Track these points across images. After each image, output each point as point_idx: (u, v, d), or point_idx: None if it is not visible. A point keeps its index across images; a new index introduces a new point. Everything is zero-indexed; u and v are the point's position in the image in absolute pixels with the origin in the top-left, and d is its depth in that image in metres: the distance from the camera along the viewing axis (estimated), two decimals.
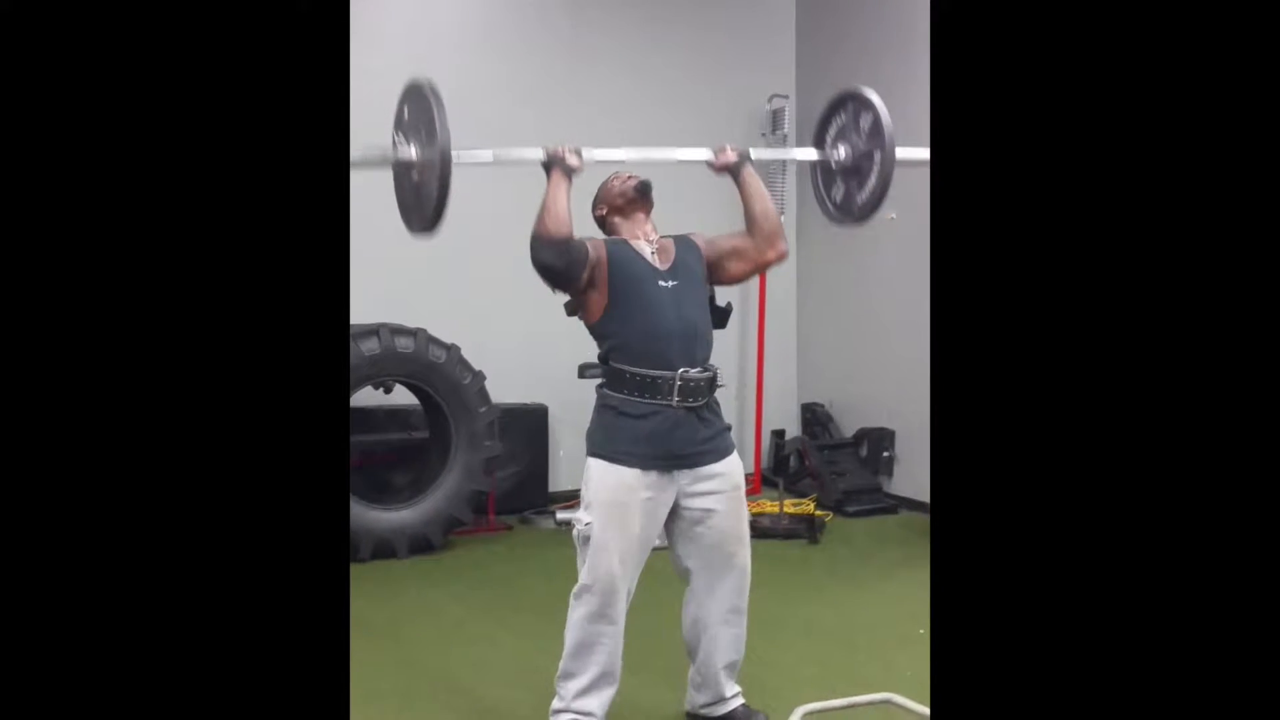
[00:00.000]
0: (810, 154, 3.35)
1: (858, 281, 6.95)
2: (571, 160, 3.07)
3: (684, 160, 3.26)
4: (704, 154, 3.24)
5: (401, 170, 2.93)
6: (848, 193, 3.25)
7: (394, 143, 2.90)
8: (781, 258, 3.35)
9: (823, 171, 3.36)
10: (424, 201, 2.84)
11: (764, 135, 7.07)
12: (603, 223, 3.33)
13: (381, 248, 6.18)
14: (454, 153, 2.75)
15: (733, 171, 3.26)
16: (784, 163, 6.95)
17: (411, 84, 2.88)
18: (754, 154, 3.30)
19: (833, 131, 3.31)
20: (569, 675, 3.14)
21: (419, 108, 2.83)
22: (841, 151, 3.26)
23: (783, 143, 6.96)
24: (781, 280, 7.19)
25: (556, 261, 3.05)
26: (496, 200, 5.54)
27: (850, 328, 7.07)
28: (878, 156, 3.12)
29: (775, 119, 7.01)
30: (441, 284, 6.20)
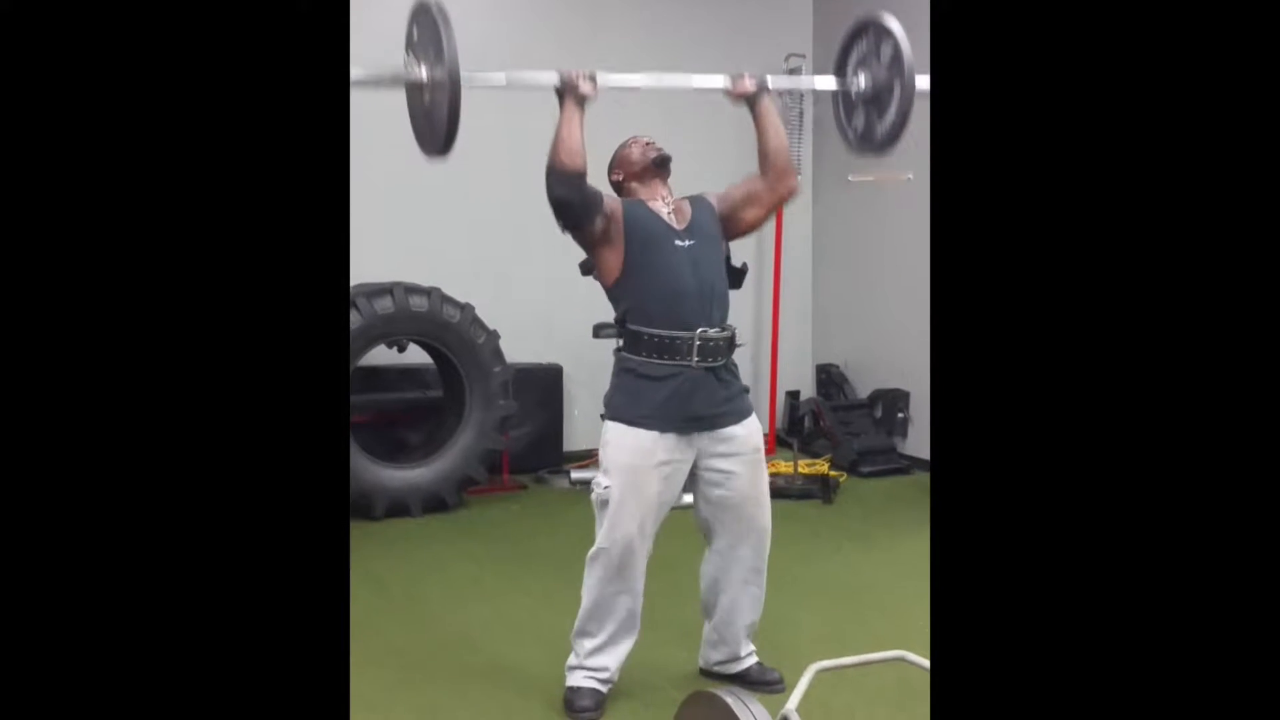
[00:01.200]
0: (830, 83, 3.26)
1: (873, 243, 6.92)
2: (585, 87, 3.01)
3: (700, 88, 3.17)
4: (721, 81, 3.16)
5: (413, 93, 2.88)
6: (868, 122, 3.17)
7: (405, 64, 2.84)
8: (792, 193, 3.30)
9: (844, 100, 3.28)
10: (435, 124, 2.78)
11: (781, 95, 7.02)
12: (619, 187, 3.29)
13: (396, 207, 6.19)
14: (465, 74, 2.68)
15: (750, 101, 3.19)
16: (800, 114, 6.90)
17: (419, 4, 2.80)
18: (771, 83, 3.20)
19: (853, 61, 3.22)
20: (585, 634, 3.17)
21: (427, 28, 2.78)
22: (862, 80, 3.17)
23: (799, 103, 6.92)
24: (797, 241, 7.17)
25: (570, 195, 3.00)
26: (512, 159, 5.52)
27: (865, 289, 7.05)
28: (898, 87, 3.05)
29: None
30: (456, 243, 6.19)
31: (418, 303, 5.41)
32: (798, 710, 2.38)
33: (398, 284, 5.37)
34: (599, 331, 5.72)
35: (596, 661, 3.16)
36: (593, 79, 3.03)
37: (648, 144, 3.25)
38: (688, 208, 3.22)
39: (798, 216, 7.16)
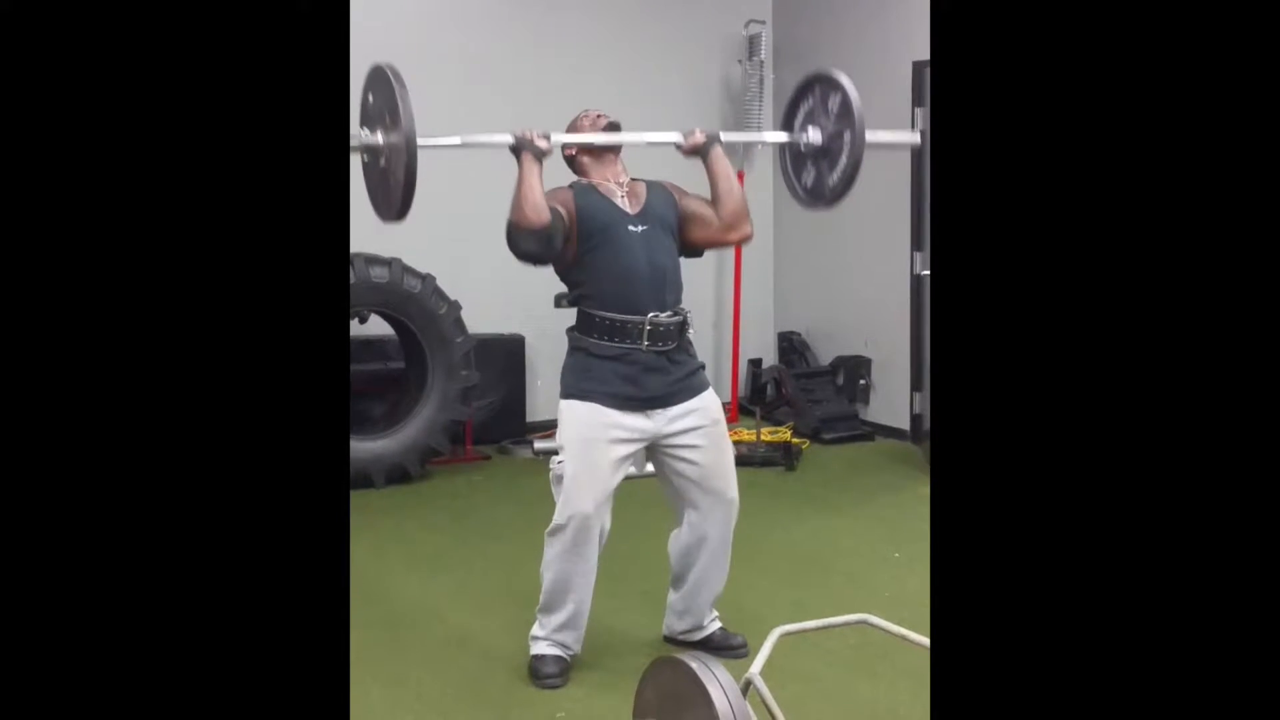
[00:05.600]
0: (780, 137, 3.31)
1: (834, 210, 6.91)
2: (540, 144, 3.03)
3: (654, 143, 3.22)
4: (673, 137, 3.21)
5: (369, 158, 2.88)
6: (818, 175, 3.23)
7: (361, 132, 2.83)
8: (744, 240, 3.38)
9: (793, 156, 3.33)
10: (391, 189, 2.79)
11: (740, 62, 6.98)
12: (571, 161, 3.29)
13: (356, 177, 6.10)
14: (420, 139, 2.69)
15: (701, 154, 3.21)
16: (761, 80, 6.87)
17: (374, 69, 2.80)
18: (724, 136, 3.25)
19: (801, 116, 3.27)
20: (549, 610, 3.20)
21: (383, 93, 2.77)
22: (811, 134, 3.21)
23: (760, 70, 6.89)
24: (759, 209, 7.13)
25: (538, 249, 3.05)
26: (471, 128, 5.48)
27: (827, 257, 7.05)
28: (847, 137, 3.10)
29: (752, 45, 6.92)
30: (417, 213, 6.13)
31: (379, 274, 5.37)
32: (762, 674, 2.39)
33: (358, 255, 5.32)
34: (560, 301, 5.70)
35: (561, 637, 3.18)
36: (546, 137, 3.05)
37: (598, 116, 3.25)
38: (643, 191, 3.22)
39: (759, 183, 7.15)
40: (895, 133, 3.18)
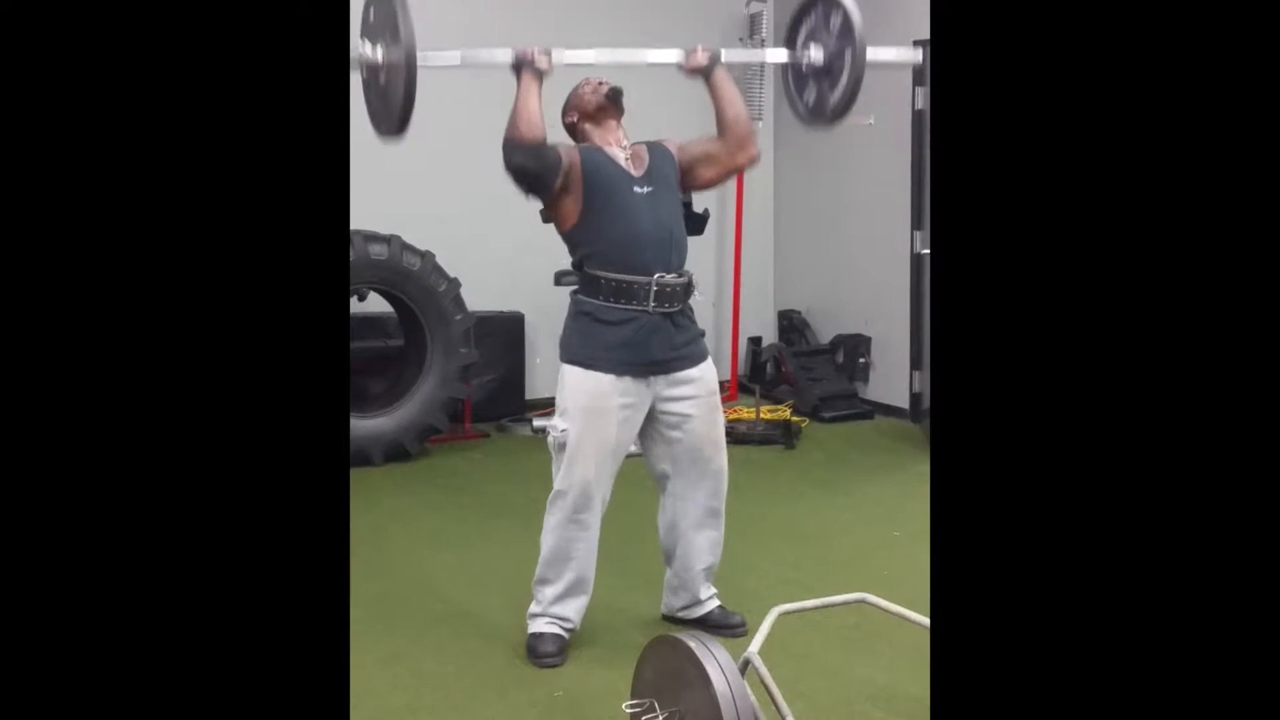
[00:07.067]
0: (781, 55, 3.30)
1: (835, 189, 6.90)
2: (541, 62, 3.02)
3: (655, 63, 3.21)
4: (675, 56, 3.19)
5: (368, 74, 2.88)
6: (820, 94, 3.22)
7: (360, 47, 2.83)
8: (752, 161, 3.34)
9: (794, 75, 3.33)
10: (391, 104, 2.79)
11: (741, 40, 6.95)
12: (573, 130, 3.28)
13: (354, 153, 6.06)
14: (420, 54, 2.70)
15: (704, 74, 3.21)
16: (761, 67, 6.85)
17: None
18: (725, 56, 3.24)
19: (803, 34, 3.27)
20: (545, 581, 3.18)
21: (383, 8, 2.78)
22: (813, 52, 3.21)
23: (760, 48, 6.85)
24: (759, 188, 7.14)
25: (530, 164, 3.02)
26: (471, 104, 5.46)
27: (827, 235, 7.04)
28: (849, 55, 3.10)
29: (753, 23, 6.89)
30: (416, 190, 6.13)
31: (377, 251, 5.36)
32: (760, 653, 2.39)
33: (357, 232, 5.31)
34: (560, 279, 5.70)
35: (558, 610, 3.18)
36: (547, 54, 3.04)
37: (599, 84, 3.24)
38: (645, 154, 3.21)
39: (759, 162, 7.13)
40: (897, 50, 3.18)
